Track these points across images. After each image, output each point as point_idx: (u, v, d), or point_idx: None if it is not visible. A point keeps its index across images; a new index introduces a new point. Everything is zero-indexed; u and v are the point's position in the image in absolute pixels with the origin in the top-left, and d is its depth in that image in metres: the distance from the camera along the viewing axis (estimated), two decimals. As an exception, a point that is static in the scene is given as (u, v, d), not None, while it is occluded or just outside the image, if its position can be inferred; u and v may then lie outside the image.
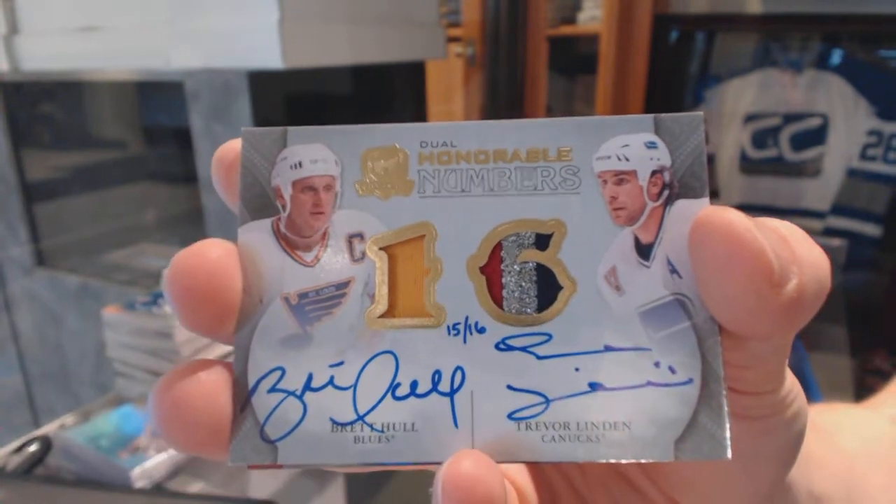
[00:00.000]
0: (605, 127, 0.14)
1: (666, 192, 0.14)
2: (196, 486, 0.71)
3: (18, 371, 1.45)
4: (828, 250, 0.14)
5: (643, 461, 0.13)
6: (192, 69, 0.93)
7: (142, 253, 1.31)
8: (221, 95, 0.93)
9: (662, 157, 0.14)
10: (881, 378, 1.24)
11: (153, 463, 0.70)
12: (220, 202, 1.04)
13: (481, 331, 0.14)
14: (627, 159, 0.14)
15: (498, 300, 0.14)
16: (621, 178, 0.14)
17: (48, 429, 0.81)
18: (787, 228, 0.14)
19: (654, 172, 0.14)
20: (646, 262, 0.14)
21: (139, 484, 0.69)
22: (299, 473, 0.74)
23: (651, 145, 0.14)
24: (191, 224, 1.13)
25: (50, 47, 1.07)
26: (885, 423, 0.28)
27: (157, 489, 0.70)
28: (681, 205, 0.14)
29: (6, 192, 1.30)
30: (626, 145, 0.14)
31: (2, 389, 1.50)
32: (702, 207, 0.14)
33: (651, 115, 0.14)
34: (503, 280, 0.14)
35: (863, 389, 1.26)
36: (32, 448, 0.75)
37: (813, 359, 1.09)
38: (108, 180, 1.35)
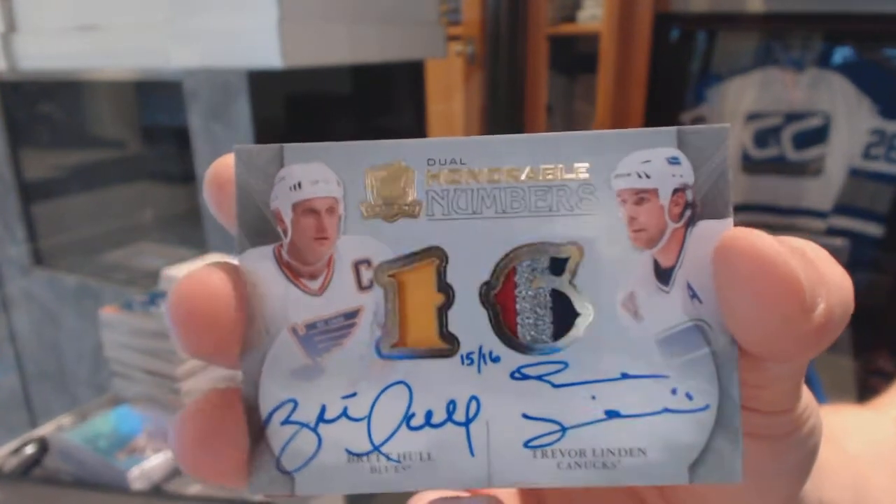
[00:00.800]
0: (625, 141, 0.13)
1: (688, 213, 0.13)
2: (194, 488, 0.71)
3: (15, 371, 1.45)
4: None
5: (657, 485, 0.13)
6: (191, 68, 0.93)
7: (140, 252, 1.30)
8: (220, 95, 0.93)
9: (685, 173, 0.13)
10: (884, 379, 1.23)
11: (151, 464, 0.70)
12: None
13: (496, 360, 0.14)
14: (648, 176, 0.13)
15: (512, 328, 0.14)
16: (641, 196, 0.13)
17: (45, 430, 0.80)
18: (812, 250, 0.13)
19: (675, 190, 0.13)
20: (665, 288, 0.13)
21: (137, 485, 0.68)
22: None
23: (674, 161, 0.13)
24: (189, 224, 1.13)
25: (48, 46, 1.07)
26: (889, 425, 0.28)
27: (155, 490, 0.69)
28: (703, 226, 0.13)
29: (4, 192, 1.29)
30: (648, 161, 0.13)
31: (-1, 389, 1.50)
32: (725, 229, 0.13)
33: (674, 129, 0.13)
34: (517, 307, 0.14)
35: (866, 390, 1.26)
36: (29, 449, 0.74)
37: (815, 360, 1.09)
38: (106, 180, 1.35)
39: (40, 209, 1.32)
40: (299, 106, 1.00)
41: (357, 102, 1.11)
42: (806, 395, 0.15)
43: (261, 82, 0.91)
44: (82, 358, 1.30)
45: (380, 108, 1.15)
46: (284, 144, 0.14)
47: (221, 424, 0.13)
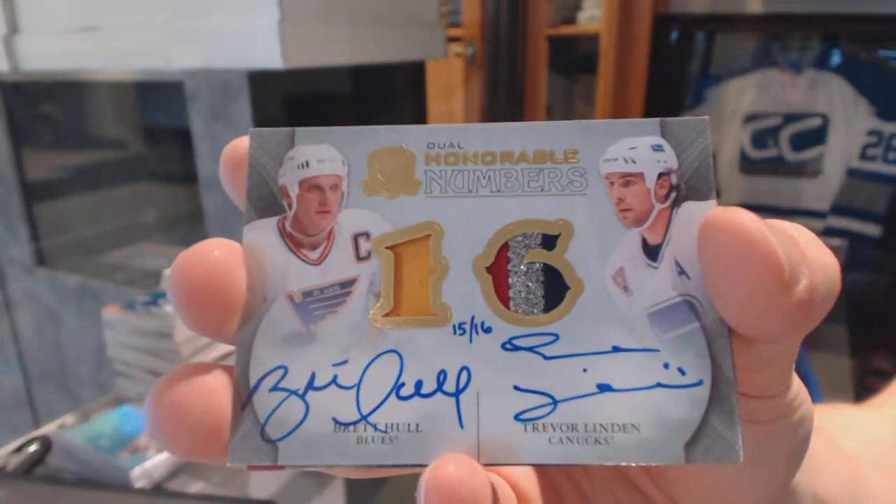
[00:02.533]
0: (612, 130, 0.14)
1: (673, 195, 0.14)
2: (196, 486, 0.71)
3: (18, 371, 1.45)
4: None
5: (653, 464, 0.13)
6: (192, 69, 0.93)
7: (141, 253, 1.31)
8: (221, 95, 0.93)
9: (669, 159, 0.14)
10: (882, 378, 1.23)
11: (153, 463, 0.70)
12: (219, 202, 1.04)
13: (487, 330, 0.14)
14: (634, 162, 0.14)
15: (504, 300, 0.14)
16: (628, 179, 0.14)
17: (48, 429, 0.81)
18: (796, 230, 0.13)
19: (661, 175, 0.14)
20: (653, 264, 0.14)
21: (139, 484, 0.69)
22: (299, 473, 0.74)
23: (658, 148, 0.14)
24: (190, 224, 1.13)
25: (50, 47, 1.07)
26: (886, 425, 0.28)
27: (157, 489, 0.69)
28: (688, 207, 0.14)
29: (6, 192, 1.30)
30: (633, 148, 0.14)
31: (1, 389, 1.50)
32: (709, 209, 0.14)
33: (657, 119, 0.14)
34: (510, 280, 0.14)
35: (863, 390, 1.26)
36: (32, 448, 0.75)
37: (813, 359, 1.09)
38: (108, 180, 1.35)
39: (42, 209, 1.32)
40: (300, 106, 1.00)
41: (357, 103, 1.11)
42: (797, 383, 0.16)
43: (261, 83, 0.91)
44: (84, 358, 1.30)
45: (380, 108, 1.15)
46: (296, 128, 0.15)
47: (194, 395, 0.13)
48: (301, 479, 0.75)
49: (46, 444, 0.75)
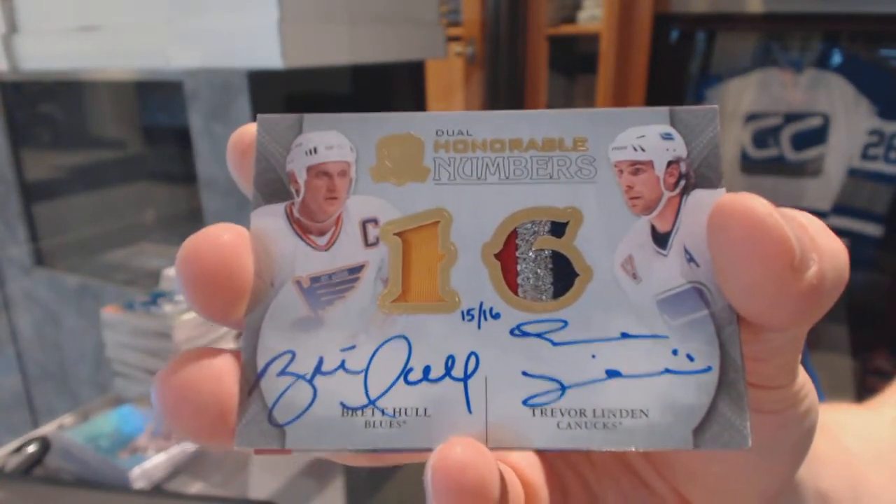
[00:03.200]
0: (621, 118, 0.14)
1: (682, 183, 0.14)
2: (195, 487, 0.71)
3: (17, 371, 1.45)
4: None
5: (661, 449, 0.13)
6: (191, 69, 0.93)
7: (141, 253, 1.31)
8: (221, 95, 0.93)
9: (678, 148, 0.14)
10: (882, 378, 1.24)
11: (152, 463, 0.70)
12: (219, 202, 1.04)
13: (496, 316, 0.14)
14: (643, 150, 0.14)
15: (513, 287, 0.14)
16: (637, 167, 0.14)
17: (47, 429, 0.80)
18: (805, 217, 0.13)
19: (670, 163, 0.14)
20: (662, 251, 0.14)
21: (138, 484, 0.69)
22: (299, 473, 0.74)
23: (667, 136, 0.14)
24: (190, 224, 1.13)
25: (49, 47, 1.07)
26: (886, 425, 0.28)
27: (157, 490, 0.69)
28: (697, 195, 0.14)
29: (5, 192, 1.30)
30: (643, 136, 0.14)
31: (0, 389, 1.50)
32: (719, 197, 0.13)
33: (667, 108, 0.14)
34: (518, 267, 0.14)
35: (864, 390, 1.26)
36: (31, 448, 0.74)
37: (814, 358, 1.09)
38: (107, 180, 1.35)
39: (41, 209, 1.32)
40: (299, 106, 1.00)
41: (357, 103, 1.11)
42: (802, 374, 0.16)
43: (261, 82, 0.91)
44: (83, 358, 1.30)
45: (380, 108, 1.15)
46: (304, 114, 0.15)
47: (202, 378, 0.13)
48: (301, 479, 0.74)
49: (45, 444, 0.75)
